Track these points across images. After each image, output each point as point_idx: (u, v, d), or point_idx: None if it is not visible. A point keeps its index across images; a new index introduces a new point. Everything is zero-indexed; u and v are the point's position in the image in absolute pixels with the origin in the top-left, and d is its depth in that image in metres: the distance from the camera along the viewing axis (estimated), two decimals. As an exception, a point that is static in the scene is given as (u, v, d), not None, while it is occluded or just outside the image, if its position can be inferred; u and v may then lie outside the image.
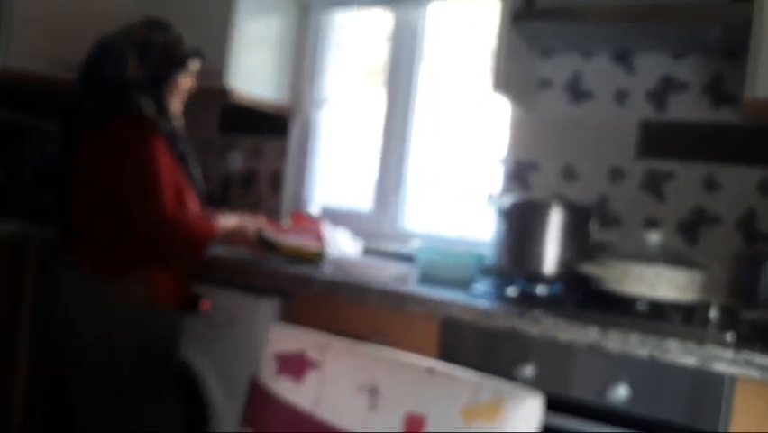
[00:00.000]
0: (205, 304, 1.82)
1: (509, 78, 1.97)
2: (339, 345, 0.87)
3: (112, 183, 1.62)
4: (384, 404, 0.79)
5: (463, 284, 1.84)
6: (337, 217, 2.41)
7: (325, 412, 0.81)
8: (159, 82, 1.71)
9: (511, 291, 1.74)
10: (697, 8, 1.71)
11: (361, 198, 2.54)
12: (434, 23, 2.45)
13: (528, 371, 1.52)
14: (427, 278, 1.92)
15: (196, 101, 1.91)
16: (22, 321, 2.37)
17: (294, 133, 2.63)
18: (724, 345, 1.37)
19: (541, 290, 1.74)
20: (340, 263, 1.91)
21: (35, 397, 1.79)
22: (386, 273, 1.85)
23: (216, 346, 1.88)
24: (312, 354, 0.86)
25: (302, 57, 2.59)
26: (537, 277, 1.75)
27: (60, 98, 2.96)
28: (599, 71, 2.11)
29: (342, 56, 2.65)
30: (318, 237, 2.01)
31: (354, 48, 2.65)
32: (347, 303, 1.75)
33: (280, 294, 1.85)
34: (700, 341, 1.38)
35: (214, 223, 1.75)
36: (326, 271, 1.90)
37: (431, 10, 2.43)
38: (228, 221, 1.84)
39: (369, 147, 2.53)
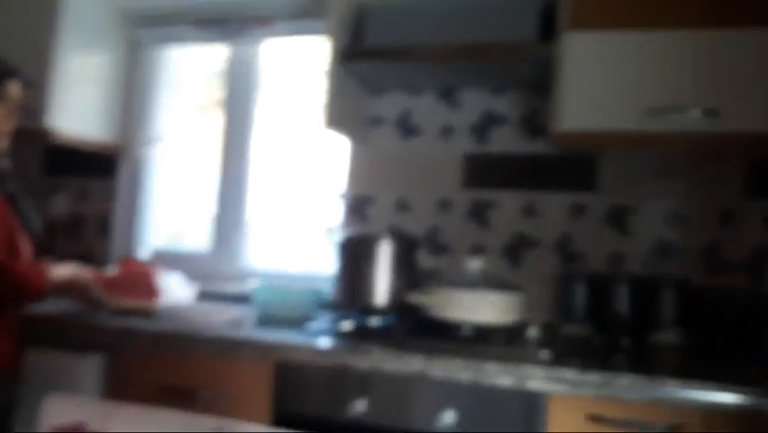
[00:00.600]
0: None
1: (342, 114, 2.00)
2: (122, 412, 0.82)
3: None
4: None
5: (301, 322, 1.82)
6: (173, 260, 2.31)
7: (107, 483, 0.76)
8: None
9: (346, 326, 1.74)
10: (510, 47, 1.83)
11: (199, 239, 2.45)
12: (268, 60, 2.44)
13: (361, 406, 1.52)
14: (265, 319, 1.88)
15: (16, 142, 1.76)
16: None
17: (123, 173, 2.50)
18: (539, 362, 1.45)
19: (374, 322, 1.76)
20: (170, 312, 1.82)
21: None
22: (220, 318, 1.79)
23: (36, 412, 1.71)
24: (94, 424, 0.80)
25: (131, 94, 2.48)
26: (370, 309, 1.77)
27: None
28: (427, 108, 2.20)
29: (176, 92, 2.57)
30: (150, 289, 1.90)
31: (189, 84, 2.59)
32: (175, 355, 1.67)
33: (105, 350, 1.73)
34: (517, 361, 1.45)
35: (45, 274, 1.62)
36: (154, 320, 1.80)
37: (264, 47, 2.43)
38: (61, 271, 1.71)
39: (206, 185, 2.46)
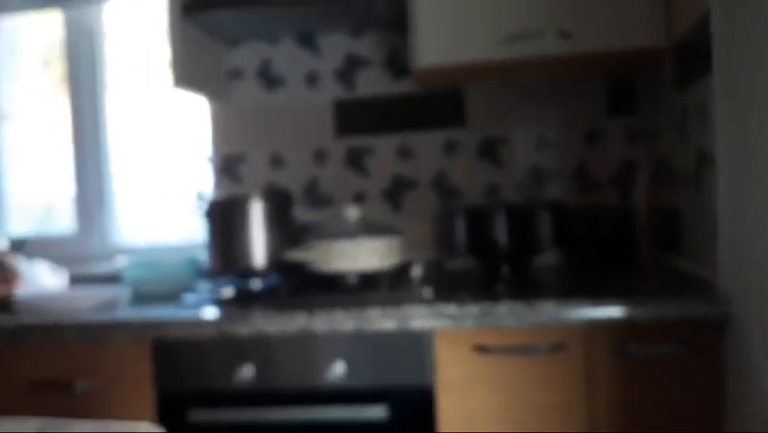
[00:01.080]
0: None
1: (193, 71, 1.86)
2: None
3: None
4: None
5: (177, 295, 1.71)
6: (35, 246, 2.12)
7: None
8: None
9: (227, 293, 1.65)
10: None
11: (64, 221, 2.26)
12: (110, 24, 2.24)
13: (247, 372, 1.45)
14: (140, 296, 1.75)
15: None
16: None
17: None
18: (420, 302, 1.43)
19: (255, 284, 1.68)
20: (32, 303, 1.66)
21: None
22: (90, 303, 1.65)
23: None
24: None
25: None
26: (249, 272, 1.69)
27: None
28: (287, 56, 2.10)
29: (18, 65, 2.32)
30: (5, 278, 1.73)
31: (30, 56, 2.33)
32: (43, 348, 1.53)
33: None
34: (399, 303, 1.43)
35: None
36: (17, 312, 1.64)
37: (105, 10, 2.22)
38: None
39: (63, 163, 2.26)
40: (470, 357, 1.39)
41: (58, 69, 2.29)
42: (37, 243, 2.15)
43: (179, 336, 1.47)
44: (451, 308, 1.38)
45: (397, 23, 1.95)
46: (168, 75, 1.78)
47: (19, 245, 1.93)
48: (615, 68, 1.80)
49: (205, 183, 2.14)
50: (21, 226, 2.29)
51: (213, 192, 2.10)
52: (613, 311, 1.33)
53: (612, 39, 1.62)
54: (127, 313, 1.57)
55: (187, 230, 2.17)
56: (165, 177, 2.24)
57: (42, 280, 1.85)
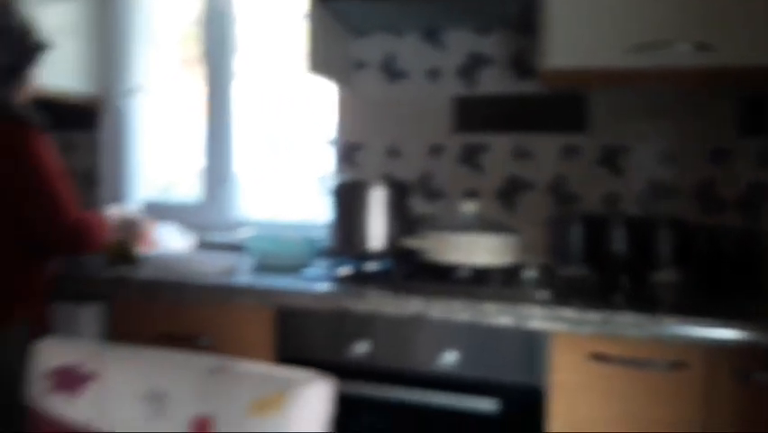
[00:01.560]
0: None
1: (325, 58, 1.92)
2: (118, 352, 0.78)
3: (7, 197, 1.40)
4: (169, 409, 0.72)
5: (297, 270, 1.78)
6: (164, 211, 2.26)
7: (107, 425, 0.72)
8: (11, 74, 1.48)
9: (343, 272, 1.70)
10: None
11: (189, 190, 2.39)
12: (246, 5, 2.34)
13: (363, 348, 1.49)
14: (261, 267, 1.83)
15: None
16: None
17: (107, 125, 2.41)
18: (538, 303, 1.42)
19: (371, 267, 1.72)
20: (161, 261, 1.77)
21: None
22: (213, 267, 1.75)
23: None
24: (89, 365, 0.75)
25: (108, 45, 2.38)
26: (366, 255, 1.73)
27: None
28: (411, 50, 2.12)
29: (155, 42, 2.47)
30: (138, 234, 1.85)
31: (168, 33, 2.48)
32: (172, 303, 1.63)
33: (102, 299, 1.69)
34: (517, 301, 1.42)
35: (103, 217, 1.61)
36: (146, 270, 1.76)
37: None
38: (113, 214, 1.71)
39: (193, 136, 2.39)
40: (585, 363, 1.37)
41: (193, 46, 2.41)
42: (166, 209, 2.29)
43: (300, 306, 1.53)
44: (570, 313, 1.37)
45: (524, 24, 1.94)
46: (301, 59, 1.84)
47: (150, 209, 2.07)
48: (749, 84, 1.72)
49: (325, 166, 2.21)
50: (151, 193, 2.44)
51: (332, 176, 2.16)
52: (738, 334, 1.28)
53: (754, 54, 1.55)
54: (251, 279, 1.64)
55: (304, 209, 2.25)
56: (288, 157, 2.33)
57: (171, 241, 1.97)
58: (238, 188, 2.34)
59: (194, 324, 1.61)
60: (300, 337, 1.55)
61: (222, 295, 1.58)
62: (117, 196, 2.40)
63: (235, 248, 2.10)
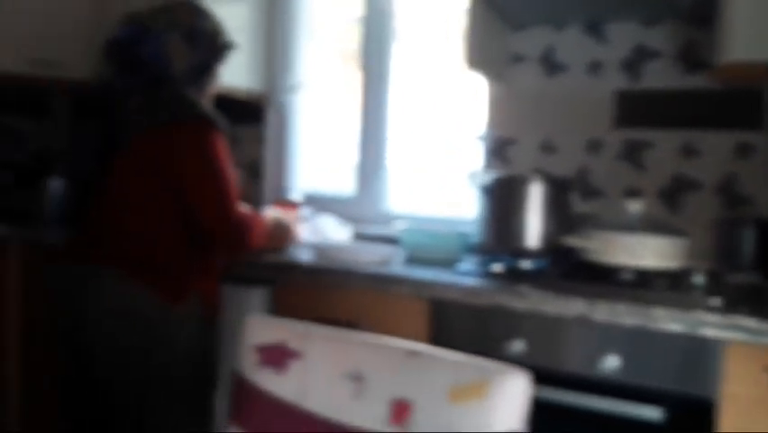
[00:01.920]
0: None
1: (482, 53, 1.92)
2: (320, 333, 0.83)
3: (178, 191, 1.49)
4: (369, 391, 0.76)
5: (449, 264, 1.80)
6: (321, 203, 2.36)
7: (310, 402, 0.77)
8: (203, 71, 1.58)
9: (496, 268, 1.70)
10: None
11: (343, 183, 2.48)
12: (404, 2, 2.39)
13: (518, 346, 1.48)
14: (413, 260, 1.88)
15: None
16: (9, 319, 2.31)
17: (270, 120, 2.56)
18: (710, 310, 1.34)
19: (526, 264, 1.70)
20: (323, 249, 1.86)
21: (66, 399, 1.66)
22: (370, 257, 1.81)
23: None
24: (293, 343, 0.81)
25: (273, 42, 2.52)
26: (521, 252, 1.71)
27: (31, 96, 2.89)
28: (572, 43, 2.07)
29: (316, 39, 2.58)
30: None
31: (327, 30, 2.59)
32: (332, 289, 1.71)
33: (268, 283, 1.81)
34: (687, 307, 1.35)
35: (262, 219, 1.66)
36: (310, 257, 1.85)
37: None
38: (269, 215, 1.77)
39: (348, 130, 2.48)
40: (762, 376, 1.28)
41: (352, 41, 2.50)
42: (323, 201, 2.40)
43: (456, 300, 1.55)
44: (749, 322, 1.27)
45: (698, 15, 1.82)
46: (459, 54, 1.85)
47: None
48: None
49: (474, 162, 2.21)
50: (308, 185, 2.56)
51: (482, 171, 2.16)
52: None
53: None
54: (409, 271, 1.68)
55: (453, 204, 2.26)
56: (438, 152, 2.35)
57: (329, 231, 2.06)
58: (390, 181, 2.40)
59: (352, 310, 1.68)
60: (454, 331, 1.57)
61: (380, 284, 1.64)
62: (279, 188, 2.55)
63: (389, 240, 2.15)
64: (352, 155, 2.44)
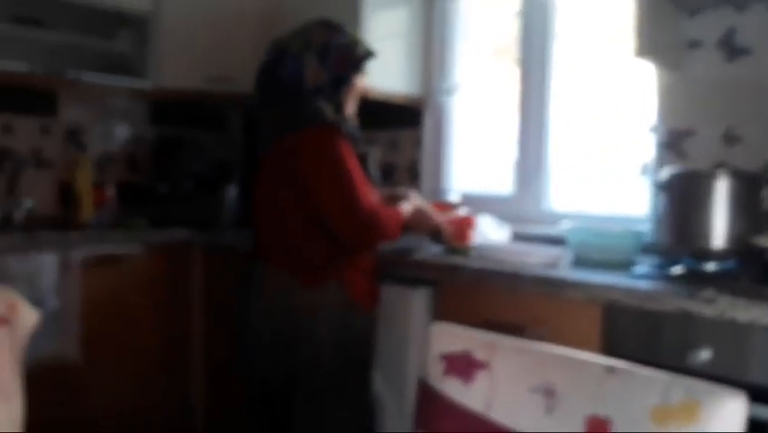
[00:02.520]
0: None
1: (654, 40, 1.79)
2: (507, 343, 0.81)
3: (306, 191, 1.61)
4: (562, 406, 0.72)
5: (622, 266, 1.70)
6: (478, 203, 2.33)
7: (499, 414, 0.75)
8: (338, 85, 1.67)
9: (676, 271, 1.58)
10: None
11: (501, 182, 2.44)
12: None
13: (702, 356, 1.36)
14: (581, 261, 1.79)
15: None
16: (195, 318, 2.53)
17: (428, 122, 2.58)
18: None
19: (711, 267, 1.56)
20: (486, 251, 1.83)
21: (251, 401, 1.83)
22: (535, 258, 1.75)
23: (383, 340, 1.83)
24: (479, 354, 0.80)
25: (430, 46, 2.53)
26: (706, 253, 1.57)
27: (210, 110, 3.14)
28: (756, 24, 1.86)
29: (471, 40, 2.56)
30: (465, 226, 1.93)
31: (482, 30, 2.55)
32: (498, 292, 1.68)
33: (430, 284, 1.82)
34: None
35: (400, 210, 1.73)
36: (473, 258, 1.84)
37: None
38: (406, 207, 1.79)
39: (505, 128, 2.43)
40: None
41: (509, 38, 2.44)
42: (480, 200, 2.37)
43: (632, 306, 1.45)
44: None
45: None
46: (629, 44, 1.74)
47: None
48: None
49: (645, 156, 2.07)
50: (467, 185, 2.54)
51: (655, 166, 2.02)
52: None
53: None
54: (578, 273, 1.61)
55: (622, 201, 2.14)
56: (604, 146, 2.23)
57: (489, 232, 2.03)
58: (551, 179, 2.32)
59: (518, 314, 1.64)
60: (630, 338, 1.47)
61: (549, 287, 1.58)
62: (437, 189, 2.56)
63: (553, 241, 2.08)
64: (511, 153, 2.39)
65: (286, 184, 1.64)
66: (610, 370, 0.72)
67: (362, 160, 1.68)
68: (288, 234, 1.66)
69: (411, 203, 1.81)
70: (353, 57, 1.70)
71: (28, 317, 1.16)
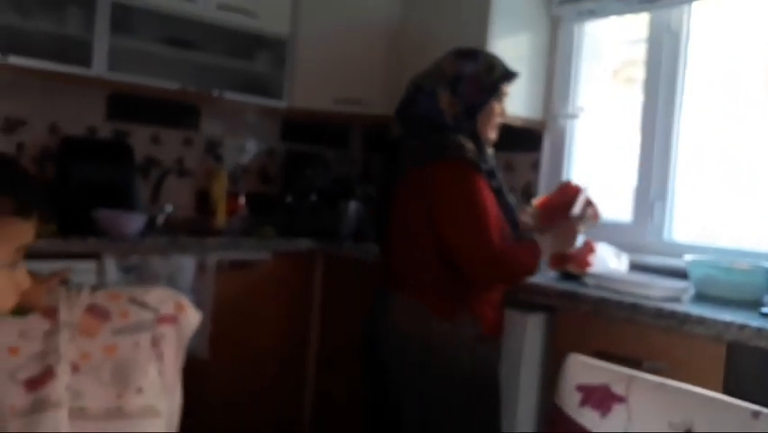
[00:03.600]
0: None
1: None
2: (644, 380, 0.82)
3: (438, 223, 1.58)
4: (701, 447, 0.73)
5: (750, 304, 1.63)
6: (595, 230, 2.30)
7: (636, 451, 0.77)
8: (473, 112, 1.64)
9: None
10: None
11: (620, 208, 2.38)
12: (699, 21, 2.22)
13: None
14: (705, 297, 1.73)
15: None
16: (313, 323, 2.66)
17: (546, 145, 2.58)
18: None
19: None
20: (605, 279, 1.81)
21: (365, 409, 1.79)
22: (656, 291, 1.71)
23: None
24: (616, 388, 0.81)
25: (553, 70, 2.53)
26: None
27: (334, 128, 3.29)
28: None
29: (595, 64, 2.54)
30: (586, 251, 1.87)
31: (607, 55, 2.52)
32: (616, 322, 1.65)
33: (546, 310, 1.82)
34: None
35: (537, 247, 1.63)
36: (591, 286, 1.82)
37: (694, 8, 2.22)
38: (545, 242, 1.68)
39: (627, 155, 2.38)
40: None
41: (632, 67, 2.40)
42: (597, 226, 2.32)
43: (759, 346, 1.40)
44: None
45: None
46: (762, 71, 1.67)
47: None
48: None
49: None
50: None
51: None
52: None
53: None
54: (704, 310, 1.56)
55: (753, 235, 2.04)
56: (734, 175, 2.14)
57: (607, 260, 1.99)
58: (674, 207, 2.25)
59: (636, 347, 1.61)
60: (752, 380, 1.41)
61: (670, 321, 1.54)
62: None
63: (673, 273, 2.01)
64: (631, 180, 2.34)
65: (417, 210, 1.62)
66: (756, 415, 0.71)
67: (498, 193, 1.66)
68: (419, 265, 1.63)
69: (548, 240, 1.70)
70: (486, 82, 1.65)
71: (193, 316, 1.29)
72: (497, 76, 1.67)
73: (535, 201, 1.93)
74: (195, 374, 2.35)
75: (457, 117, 1.63)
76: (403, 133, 1.71)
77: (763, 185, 2.05)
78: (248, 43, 2.76)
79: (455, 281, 1.60)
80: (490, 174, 1.64)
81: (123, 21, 2.40)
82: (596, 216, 1.80)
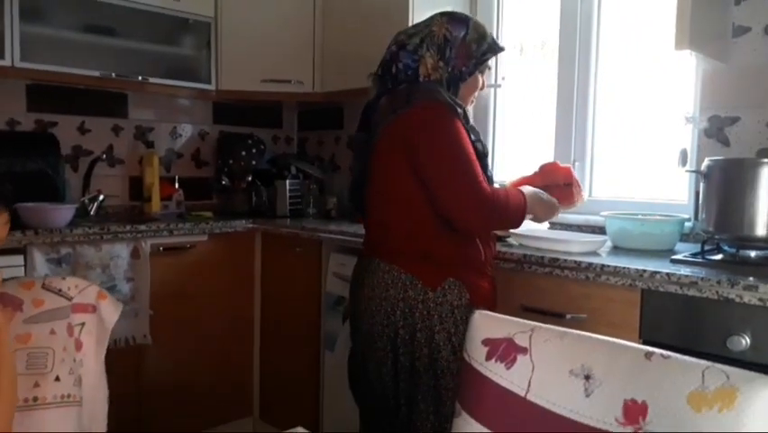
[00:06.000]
0: None
1: (699, 30, 1.73)
2: (545, 330, 0.80)
3: (423, 169, 1.44)
4: (600, 390, 0.72)
5: (662, 253, 1.66)
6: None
7: (539, 397, 0.75)
8: (457, 80, 1.53)
9: (717, 257, 1.53)
10: None
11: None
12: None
13: (740, 343, 1.32)
14: (621, 249, 1.76)
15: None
16: (255, 300, 2.61)
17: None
18: None
19: (752, 254, 1.51)
20: (527, 238, 1.81)
21: (355, 383, 1.68)
22: (575, 246, 1.73)
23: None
24: (520, 340, 0.80)
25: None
26: (747, 241, 1.52)
27: (268, 110, 3.19)
28: (805, 8, 1.78)
29: (512, 32, 2.52)
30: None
31: (522, 21, 2.51)
32: (538, 278, 1.66)
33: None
34: None
35: (525, 200, 1.53)
36: (515, 246, 1.82)
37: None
38: (527, 190, 1.59)
39: (546, 121, 2.39)
40: None
41: (547, 35, 2.40)
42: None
43: (671, 292, 1.42)
44: None
45: None
46: (671, 34, 1.68)
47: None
48: None
49: (683, 145, 2.00)
50: (507, 175, 2.51)
51: (696, 154, 1.95)
52: None
53: None
54: (619, 260, 1.58)
55: (662, 189, 2.08)
56: (643, 135, 2.17)
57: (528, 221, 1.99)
58: (590, 168, 2.27)
59: (558, 300, 1.62)
60: (666, 324, 1.44)
61: (588, 273, 1.56)
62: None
63: (593, 229, 2.04)
64: (550, 145, 2.35)
65: (398, 169, 1.47)
66: (648, 355, 0.71)
67: (476, 150, 1.49)
68: (403, 227, 1.50)
69: (529, 189, 1.61)
70: (475, 52, 1.54)
71: (113, 305, 1.22)
72: (486, 46, 1.57)
73: (509, 182, 1.78)
74: (139, 361, 2.32)
75: (440, 83, 1.50)
76: (379, 93, 1.57)
77: (669, 143, 2.08)
78: (172, 28, 2.63)
79: (441, 245, 1.48)
80: (467, 125, 1.49)
81: (33, 8, 2.25)
82: (582, 197, 1.73)
